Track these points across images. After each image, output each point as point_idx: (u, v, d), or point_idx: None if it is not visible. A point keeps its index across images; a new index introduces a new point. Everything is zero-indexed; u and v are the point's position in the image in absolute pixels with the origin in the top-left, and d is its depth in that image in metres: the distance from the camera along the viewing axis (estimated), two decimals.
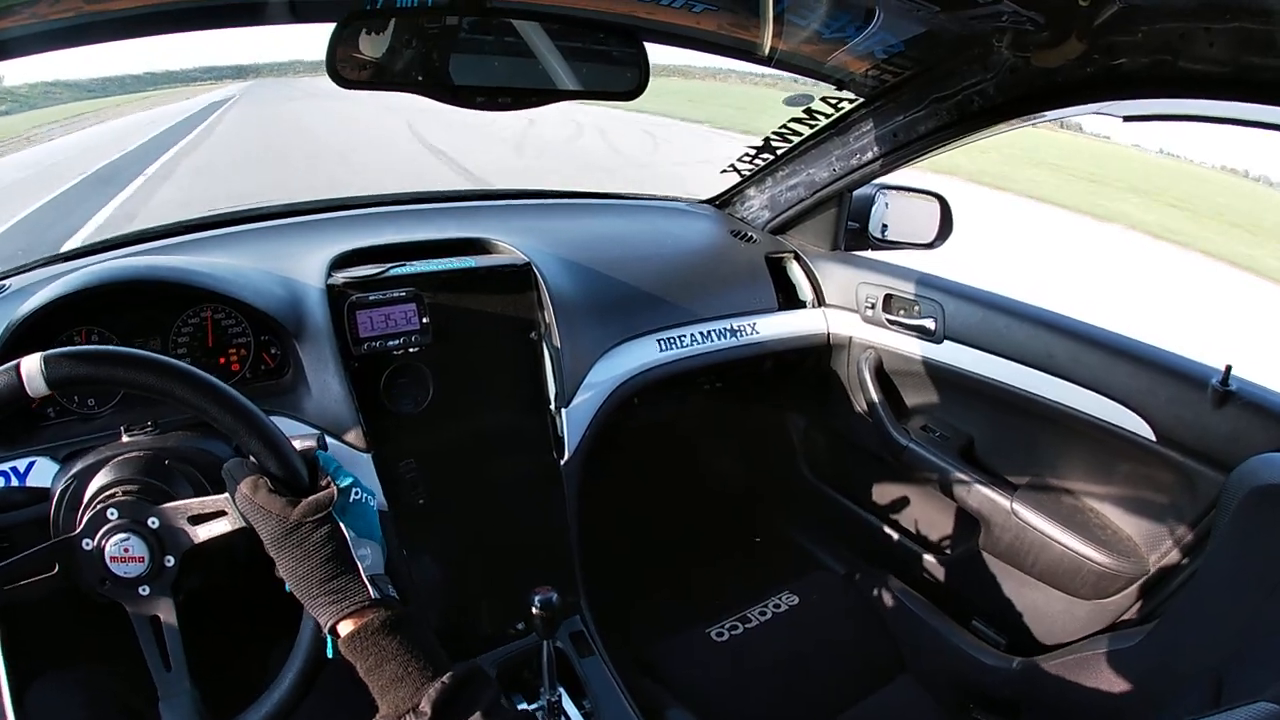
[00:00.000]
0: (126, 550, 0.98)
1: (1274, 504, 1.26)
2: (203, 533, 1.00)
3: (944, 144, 1.92)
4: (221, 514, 1.00)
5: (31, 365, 0.88)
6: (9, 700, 0.63)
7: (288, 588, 0.95)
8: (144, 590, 1.01)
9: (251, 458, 0.98)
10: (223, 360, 1.51)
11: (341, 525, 0.95)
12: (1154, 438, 1.67)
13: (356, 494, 1.03)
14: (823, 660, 2.06)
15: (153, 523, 1.00)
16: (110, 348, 0.95)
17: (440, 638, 1.55)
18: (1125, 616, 1.78)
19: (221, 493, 1.01)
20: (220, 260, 1.60)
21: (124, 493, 1.04)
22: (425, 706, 0.86)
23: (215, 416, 0.94)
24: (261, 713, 1.03)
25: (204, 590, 1.10)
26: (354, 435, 1.49)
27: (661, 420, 2.41)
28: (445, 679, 0.89)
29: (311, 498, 0.94)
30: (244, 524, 0.97)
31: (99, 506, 1.00)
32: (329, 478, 0.99)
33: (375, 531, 1.03)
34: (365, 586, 0.92)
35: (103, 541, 0.98)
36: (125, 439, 1.16)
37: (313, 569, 0.92)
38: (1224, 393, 1.55)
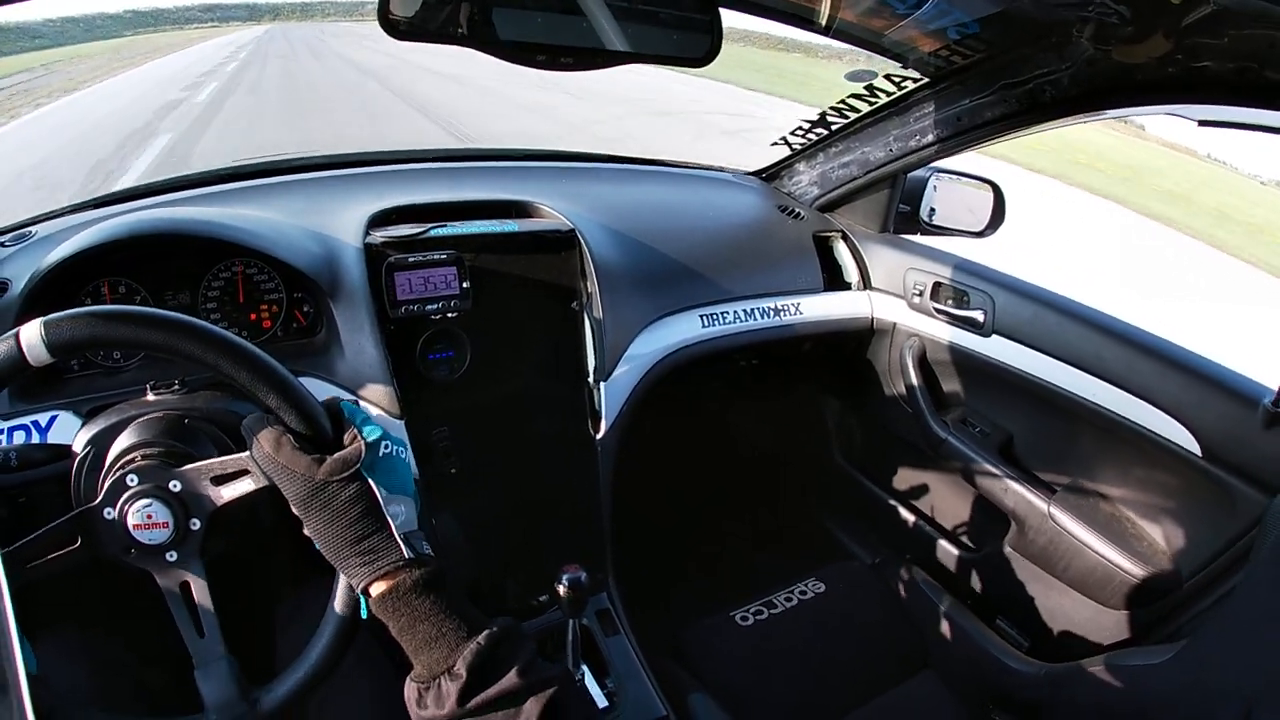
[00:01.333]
0: (150, 517, 0.95)
1: None
2: (226, 493, 0.97)
3: (1008, 132, 1.85)
4: (244, 473, 0.96)
5: (31, 333, 0.84)
6: (24, 680, 0.60)
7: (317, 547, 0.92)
8: (171, 556, 0.97)
9: (272, 414, 0.93)
10: (254, 317, 1.48)
11: (371, 482, 0.90)
12: (1200, 453, 1.63)
13: (386, 447, 0.96)
14: (847, 650, 2.04)
15: (174, 486, 0.96)
16: (113, 307, 0.90)
17: None
18: (1154, 632, 1.76)
19: (244, 451, 0.97)
20: (254, 213, 1.56)
21: (143, 456, 1.00)
22: (460, 668, 0.85)
23: (230, 373, 0.90)
24: (298, 676, 1.01)
25: (232, 554, 1.07)
26: (387, 400, 1.45)
27: (697, 396, 2.37)
28: (480, 639, 0.87)
29: (338, 454, 0.89)
30: (268, 482, 0.94)
31: (119, 472, 0.96)
32: (356, 431, 0.93)
33: (409, 486, 0.97)
34: (398, 545, 0.89)
35: (125, 508, 0.94)
36: (150, 397, 1.11)
37: (342, 529, 0.89)
38: (1275, 413, 1.51)
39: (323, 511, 0.89)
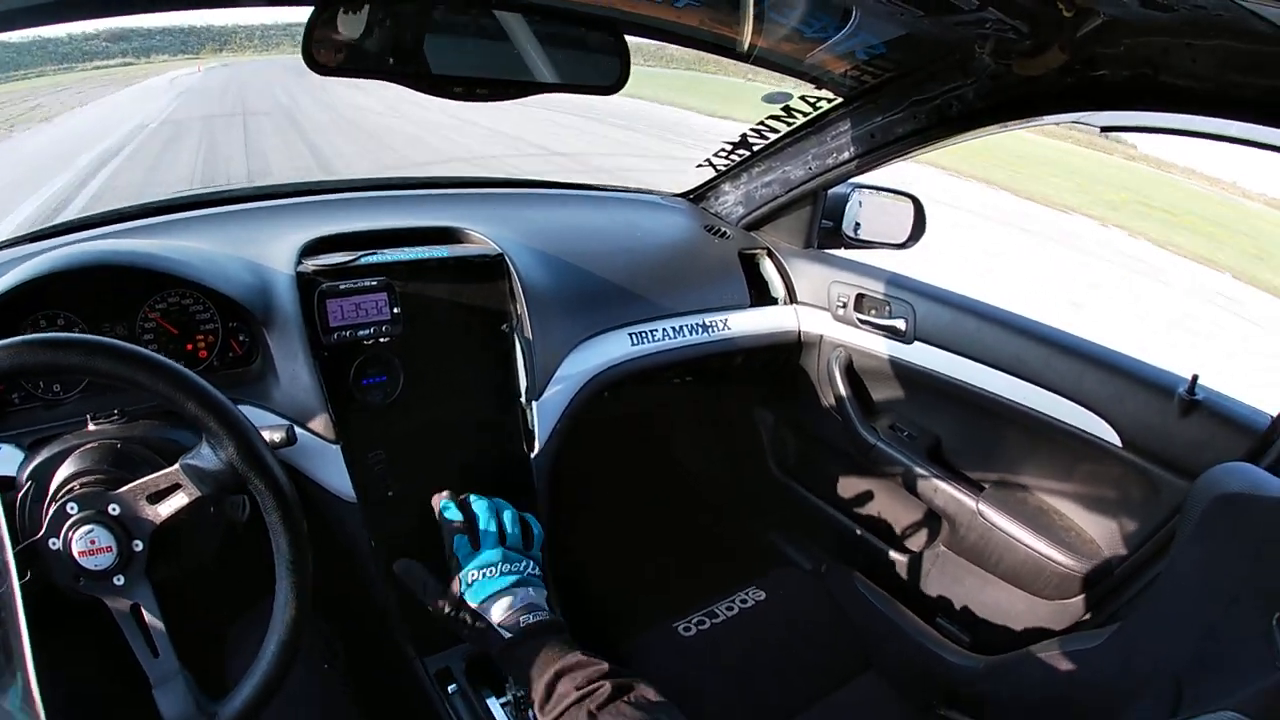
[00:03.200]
0: (93, 542, 0.97)
1: (1236, 512, 1.27)
2: (164, 510, 0.99)
3: (921, 147, 1.92)
4: (177, 487, 0.99)
5: None
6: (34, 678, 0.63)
7: None
8: (119, 580, 0.99)
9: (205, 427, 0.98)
10: (190, 347, 1.48)
11: None
12: (1120, 443, 1.70)
13: None
14: (789, 656, 2.07)
15: (114, 509, 0.98)
16: (58, 335, 0.97)
17: (407, 631, 1.56)
18: (1088, 617, 1.81)
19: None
20: (189, 244, 1.57)
21: (82, 485, 1.02)
22: None
23: (164, 397, 0.95)
24: (252, 684, 1.03)
25: (179, 578, 1.09)
26: (322, 425, 1.47)
27: (632, 414, 2.41)
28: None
29: None
30: (199, 494, 0.98)
31: (61, 501, 0.98)
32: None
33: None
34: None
35: (69, 536, 0.96)
36: (91, 427, 1.14)
37: None
38: (1190, 401, 1.58)
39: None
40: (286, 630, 1.02)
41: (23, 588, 0.93)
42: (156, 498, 1.00)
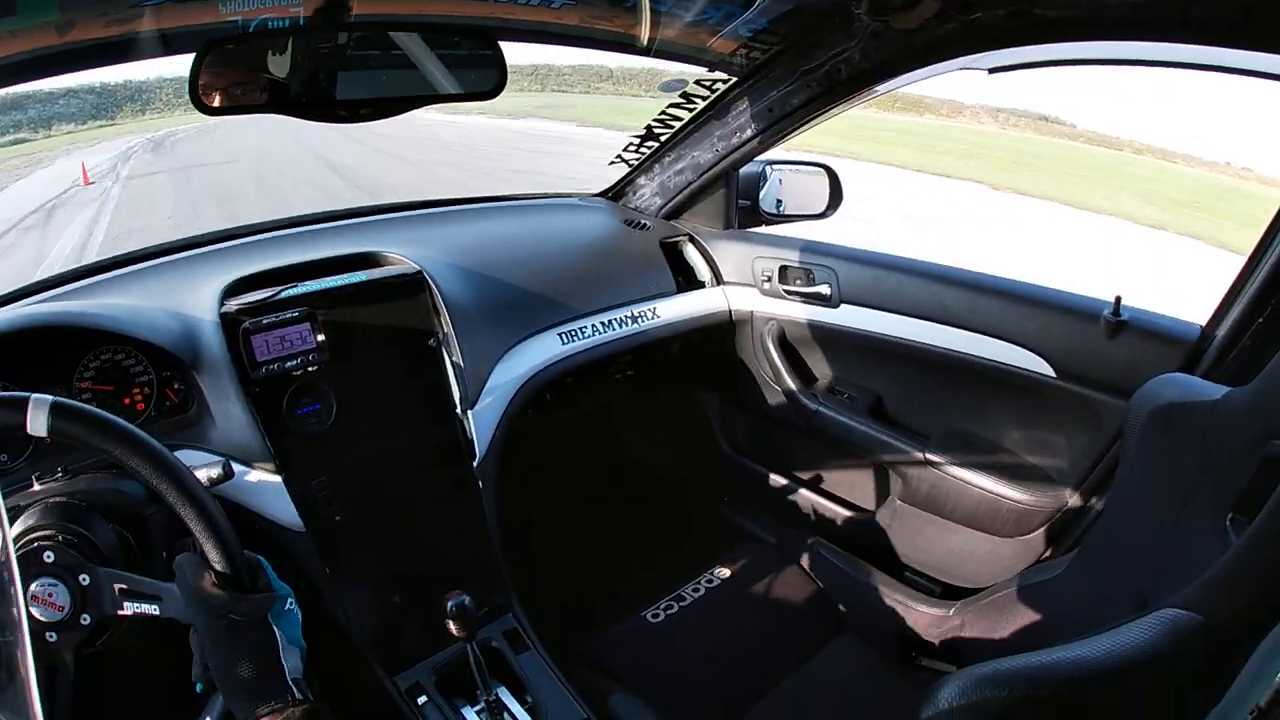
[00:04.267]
0: (51, 595, 0.97)
1: (1174, 421, 1.30)
2: (129, 607, 1.00)
3: (819, 114, 1.97)
4: (156, 599, 1.00)
5: (40, 407, 0.92)
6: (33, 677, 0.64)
7: (196, 679, 1.01)
8: (50, 637, 0.99)
9: (205, 552, 0.99)
10: (127, 401, 1.49)
11: (275, 629, 1.00)
12: (1054, 374, 1.74)
13: (290, 604, 1.06)
14: (762, 628, 2.09)
15: (84, 579, 0.99)
16: (117, 421, 0.97)
17: (375, 652, 1.57)
18: (1049, 550, 1.85)
19: (144, 550, 1.09)
20: (115, 301, 1.58)
21: (45, 539, 1.02)
22: None
23: (175, 506, 0.97)
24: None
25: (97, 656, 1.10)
26: (262, 459, 1.49)
27: (578, 413, 2.42)
28: None
29: (255, 597, 0.99)
30: (170, 616, 1.00)
31: (34, 545, 1.00)
32: (269, 583, 1.03)
33: (300, 640, 1.06)
34: (289, 687, 0.99)
35: (30, 578, 0.97)
36: (37, 487, 1.15)
37: (241, 662, 0.97)
38: (1116, 323, 1.62)
39: (228, 643, 0.97)
40: (184, 488, 1.00)
41: None
42: (130, 595, 1.01)
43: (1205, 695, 0.84)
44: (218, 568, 0.99)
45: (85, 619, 0.99)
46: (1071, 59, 1.64)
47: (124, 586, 1.00)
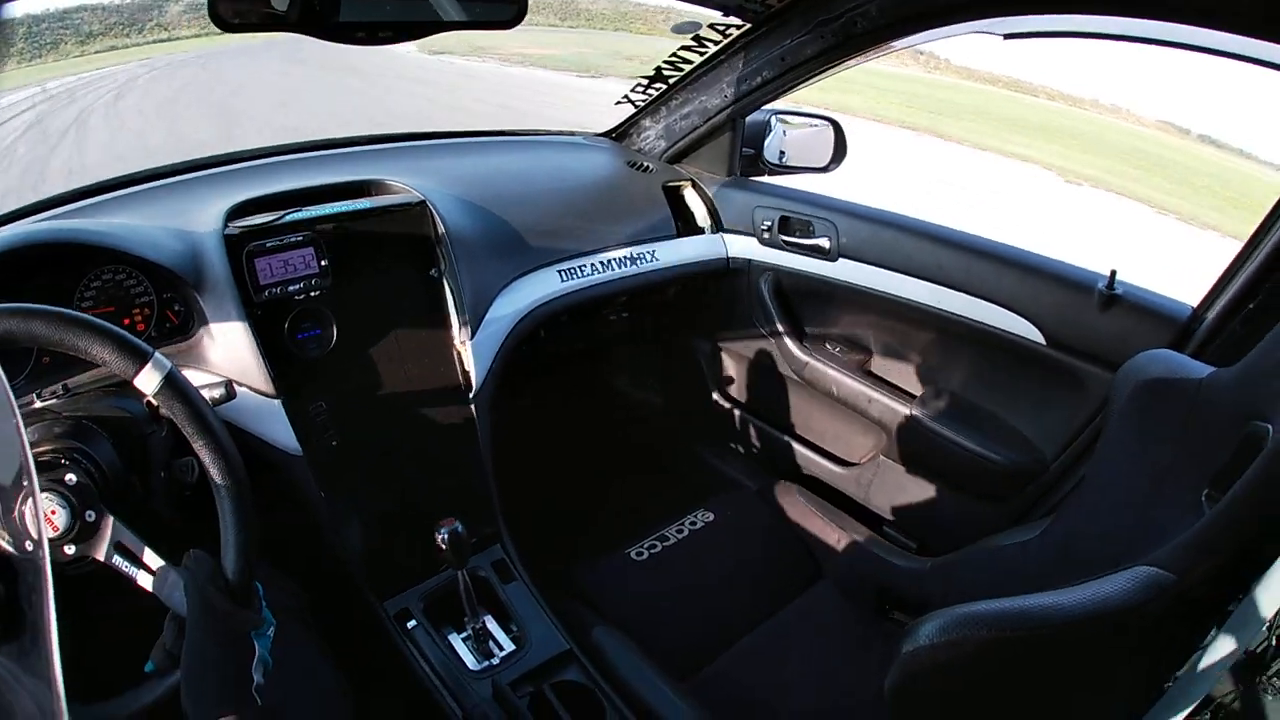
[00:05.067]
0: (53, 514, 0.99)
1: (1159, 397, 1.31)
2: (118, 562, 1.03)
3: (830, 67, 1.97)
4: (148, 570, 1.03)
5: (158, 368, 0.99)
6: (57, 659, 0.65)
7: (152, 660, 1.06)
8: (28, 545, 1.00)
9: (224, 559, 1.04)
10: (127, 321, 1.48)
11: (255, 644, 1.06)
12: (1045, 342, 1.76)
13: (270, 630, 1.11)
14: (741, 572, 2.13)
15: (89, 515, 1.02)
16: (210, 412, 1.05)
17: (366, 576, 1.60)
18: (1026, 513, 1.88)
19: (143, 468, 1.12)
20: (115, 221, 1.57)
21: (70, 462, 1.04)
22: None
23: (225, 507, 1.04)
24: (235, 547, 1.07)
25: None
26: (261, 382, 1.50)
27: (571, 351, 2.44)
28: None
29: (249, 614, 1.06)
30: (153, 592, 1.03)
31: (51, 461, 1.02)
32: (260, 605, 1.09)
33: (269, 659, 1.10)
34: (254, 699, 1.05)
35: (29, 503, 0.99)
36: (38, 404, 1.16)
37: (217, 663, 1.02)
38: (1109, 296, 1.64)
39: (211, 640, 1.01)
40: (238, 490, 1.06)
41: None
42: (126, 554, 1.03)
43: (1172, 651, 0.88)
44: (229, 576, 1.04)
45: (70, 550, 1.02)
46: (1090, 32, 1.64)
47: (123, 542, 1.03)
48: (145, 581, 1.03)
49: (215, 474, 1.03)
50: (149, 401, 1.06)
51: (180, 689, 1.00)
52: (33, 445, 1.05)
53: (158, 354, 1.01)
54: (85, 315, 1.00)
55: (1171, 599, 0.84)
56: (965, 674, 0.94)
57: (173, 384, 1.00)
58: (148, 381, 0.99)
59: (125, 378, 0.99)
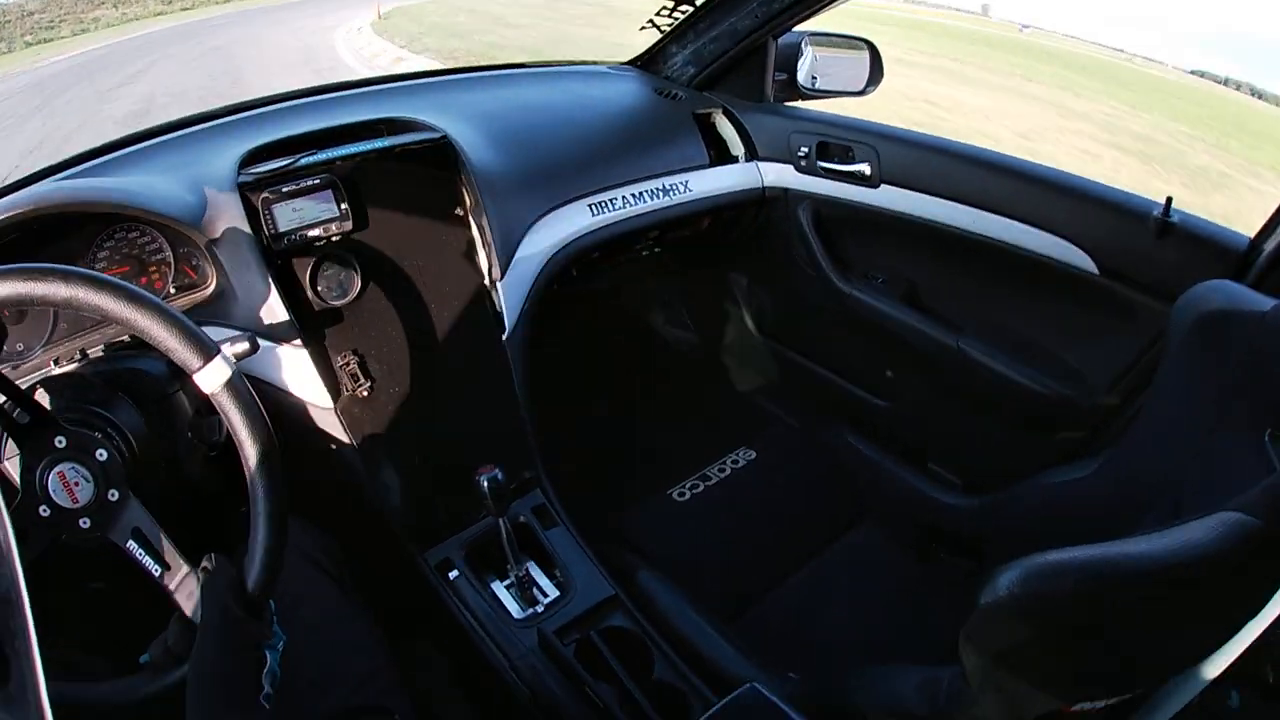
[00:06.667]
0: (75, 485, 0.97)
1: (1218, 329, 1.25)
2: (132, 548, 1.00)
3: None
4: (164, 564, 1.00)
5: (224, 365, 0.96)
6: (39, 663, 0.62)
7: (150, 653, 1.03)
8: (44, 510, 0.98)
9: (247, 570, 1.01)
10: (144, 280, 1.44)
11: (268, 655, 1.05)
12: (1097, 271, 1.67)
13: (280, 644, 1.09)
14: (784, 510, 2.11)
15: (112, 495, 0.99)
16: (264, 420, 1.00)
17: (405, 528, 1.57)
18: (1078, 448, 1.81)
19: (166, 428, 1.12)
20: (125, 177, 1.52)
21: (97, 433, 1.01)
22: None
23: (258, 511, 1.00)
24: (260, 554, 1.03)
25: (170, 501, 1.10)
26: (285, 333, 1.46)
27: (604, 288, 2.39)
28: None
29: (263, 625, 1.04)
30: (165, 585, 1.01)
31: (82, 434, 0.99)
32: (273, 619, 1.08)
33: (278, 670, 1.08)
34: (262, 707, 1.01)
35: (58, 467, 0.97)
36: (55, 371, 1.15)
37: (226, 668, 0.98)
38: (1165, 224, 1.54)
39: (221, 645, 0.98)
40: (277, 503, 1.02)
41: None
42: (143, 543, 1.00)
43: (1248, 595, 0.83)
44: (250, 586, 1.00)
45: (85, 523, 0.99)
46: None
47: (141, 529, 1.00)
48: (157, 574, 1.00)
49: (258, 483, 0.99)
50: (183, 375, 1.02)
51: (184, 689, 0.97)
52: (63, 412, 1.02)
53: (224, 352, 0.98)
54: (158, 300, 0.96)
55: (1259, 547, 0.78)
56: (1046, 625, 0.89)
57: (233, 385, 0.97)
58: (212, 378, 0.96)
59: (187, 370, 0.96)
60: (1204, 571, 0.79)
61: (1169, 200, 1.56)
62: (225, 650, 0.98)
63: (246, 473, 0.99)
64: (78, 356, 1.19)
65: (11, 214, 1.27)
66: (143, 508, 1.01)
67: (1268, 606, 0.81)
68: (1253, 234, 1.50)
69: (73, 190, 1.41)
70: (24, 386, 1.01)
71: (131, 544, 0.99)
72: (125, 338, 1.31)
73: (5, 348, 1.32)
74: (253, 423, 0.98)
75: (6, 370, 1.29)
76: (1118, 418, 1.73)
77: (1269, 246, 1.46)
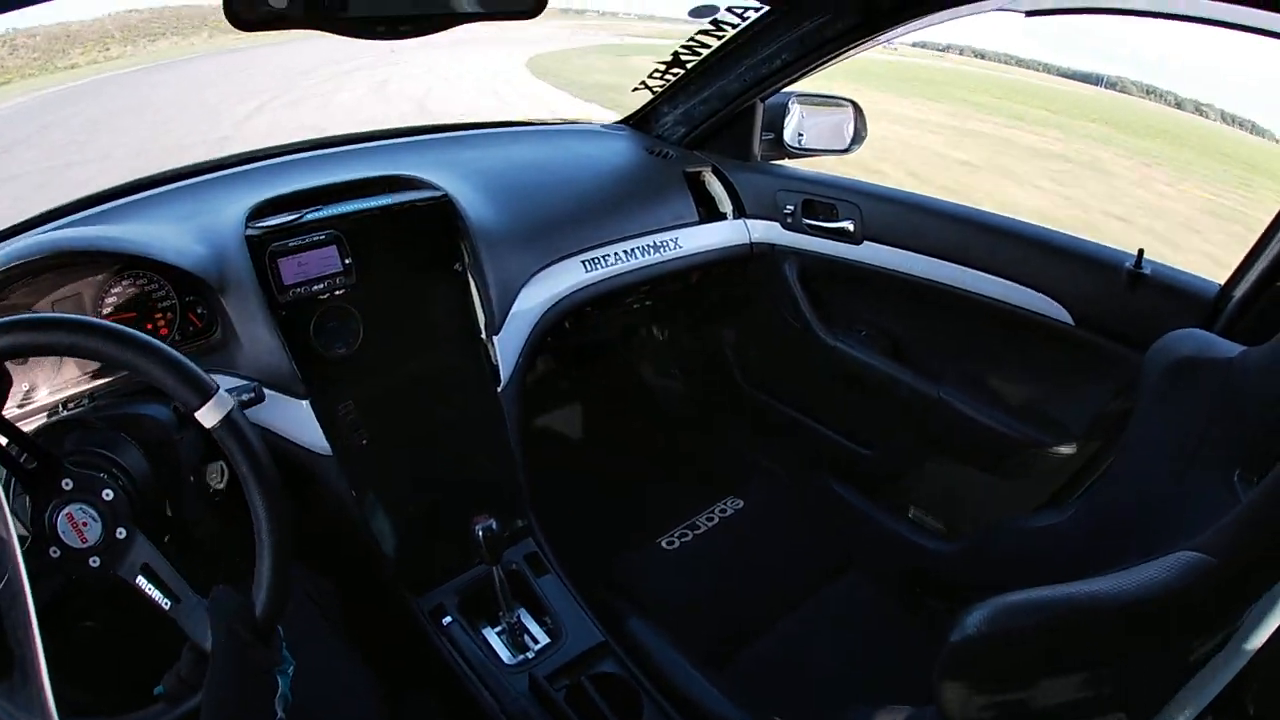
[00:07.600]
0: (84, 525, 1.00)
1: (1188, 375, 1.29)
2: (141, 584, 1.03)
3: (852, 47, 1.93)
4: (174, 597, 1.03)
5: (222, 404, 0.99)
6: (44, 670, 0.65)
7: (164, 685, 1.05)
8: (54, 552, 1.02)
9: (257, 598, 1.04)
10: (150, 326, 1.48)
11: (279, 679, 1.07)
12: (1073, 322, 1.73)
13: (290, 669, 1.12)
14: (772, 558, 2.13)
15: (120, 533, 1.02)
16: (267, 460, 1.04)
17: (400, 574, 1.60)
18: (1055, 494, 1.86)
19: (171, 473, 1.15)
20: (138, 225, 1.57)
21: (107, 476, 1.05)
22: None
23: (264, 544, 1.03)
24: (265, 588, 1.06)
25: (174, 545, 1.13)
26: (289, 383, 1.50)
27: (596, 342, 2.43)
28: None
29: (272, 652, 1.07)
30: (175, 618, 1.03)
31: (91, 476, 1.03)
32: (280, 645, 1.11)
33: (289, 695, 1.10)
34: None
35: (66, 508, 1.00)
36: (64, 414, 1.19)
37: (239, 694, 1.01)
38: (1137, 274, 1.61)
39: (232, 673, 1.01)
40: (281, 535, 1.05)
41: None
42: (150, 576, 1.03)
43: (1209, 636, 0.87)
44: (258, 613, 1.04)
45: (94, 562, 1.02)
46: (1113, 8, 1.61)
47: (150, 564, 1.03)
48: (167, 606, 1.03)
49: (262, 515, 1.03)
50: (186, 416, 1.05)
51: (199, 717, 1.00)
52: (69, 455, 1.05)
53: (222, 390, 1.02)
54: (155, 342, 1.00)
55: (1210, 583, 0.83)
56: (1013, 662, 0.94)
57: (231, 422, 1.01)
58: (211, 414, 1.00)
59: (186, 409, 1.00)
60: (1161, 609, 0.83)
61: (1140, 252, 1.63)
62: (237, 676, 1.00)
63: (251, 503, 1.02)
64: (85, 401, 1.22)
65: (31, 259, 1.32)
66: (150, 544, 1.04)
67: (1249, 640, 0.84)
68: (1222, 282, 1.56)
69: (86, 238, 1.45)
70: (30, 431, 1.06)
71: (141, 579, 1.02)
72: (132, 382, 1.35)
73: (12, 390, 1.36)
74: (255, 455, 1.02)
75: (13, 413, 1.33)
76: (1094, 463, 1.78)
77: (1238, 293, 1.53)
